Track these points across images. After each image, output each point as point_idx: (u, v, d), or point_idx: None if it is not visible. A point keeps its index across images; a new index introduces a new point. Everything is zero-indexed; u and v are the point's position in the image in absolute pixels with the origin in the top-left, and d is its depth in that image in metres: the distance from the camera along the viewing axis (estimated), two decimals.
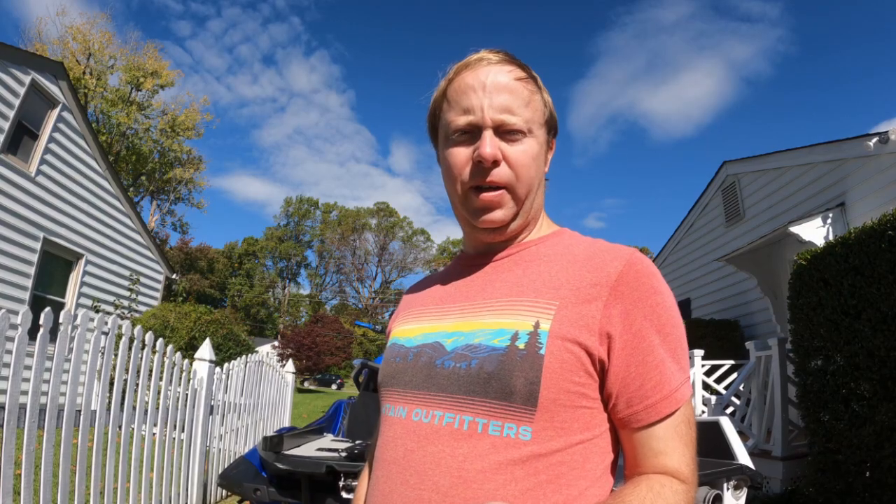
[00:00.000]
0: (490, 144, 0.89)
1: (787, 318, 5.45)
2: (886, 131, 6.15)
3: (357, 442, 2.51)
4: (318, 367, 36.58)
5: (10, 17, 55.07)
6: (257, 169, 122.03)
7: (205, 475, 4.89)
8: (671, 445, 0.82)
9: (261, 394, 6.59)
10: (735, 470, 2.38)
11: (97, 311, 10.45)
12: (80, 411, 3.08)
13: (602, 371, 0.82)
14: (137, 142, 36.59)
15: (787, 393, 5.64)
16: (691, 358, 6.66)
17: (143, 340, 3.62)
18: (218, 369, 5.15)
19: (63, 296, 10.42)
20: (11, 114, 8.79)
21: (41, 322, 2.60)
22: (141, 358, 3.62)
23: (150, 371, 3.80)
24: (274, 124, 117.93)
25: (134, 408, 3.59)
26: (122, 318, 6.52)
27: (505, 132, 0.91)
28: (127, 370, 3.44)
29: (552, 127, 1.01)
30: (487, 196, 0.91)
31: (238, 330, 12.97)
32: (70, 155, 10.45)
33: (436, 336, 0.93)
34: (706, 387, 7.13)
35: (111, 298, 11.74)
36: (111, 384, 3.37)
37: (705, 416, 4.52)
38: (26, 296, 9.14)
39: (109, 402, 3.44)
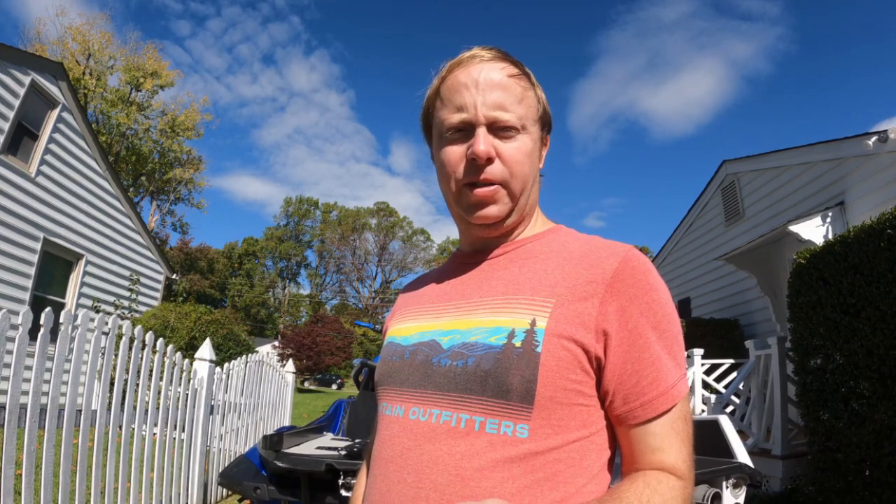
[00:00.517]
0: (484, 142, 0.89)
1: (786, 316, 5.46)
2: (886, 130, 6.15)
3: (357, 440, 2.52)
4: (319, 367, 36.58)
5: (9, 18, 55.08)
6: (257, 169, 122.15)
7: (205, 475, 4.90)
8: (668, 442, 0.82)
9: (261, 394, 6.60)
10: (734, 468, 2.38)
11: (97, 312, 10.46)
12: (80, 411, 3.08)
13: (599, 368, 0.82)
14: (137, 142, 36.57)
15: (787, 392, 5.64)
16: (691, 357, 6.66)
17: (144, 340, 3.63)
18: (218, 369, 5.15)
19: (63, 296, 10.43)
20: (11, 114, 8.79)
21: (42, 322, 2.61)
22: (141, 358, 3.62)
23: (151, 371, 3.80)
24: (274, 124, 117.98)
25: (134, 408, 3.60)
26: (123, 319, 6.52)
27: (498, 129, 0.91)
28: (127, 370, 3.45)
29: (546, 123, 1.01)
30: (481, 192, 0.91)
31: (238, 330, 12.97)
32: (70, 155, 10.46)
33: (432, 334, 0.93)
34: (706, 386, 7.12)
35: (111, 299, 11.75)
36: (111, 384, 3.38)
37: (705, 415, 4.52)
38: (27, 296, 9.15)
39: (110, 402, 3.44)
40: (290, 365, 8.76)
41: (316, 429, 2.97)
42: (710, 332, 8.86)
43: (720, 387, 7.02)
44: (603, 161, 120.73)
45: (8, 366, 2.48)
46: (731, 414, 6.35)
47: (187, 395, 4.50)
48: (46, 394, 2.77)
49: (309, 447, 2.44)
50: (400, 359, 0.95)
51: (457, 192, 0.94)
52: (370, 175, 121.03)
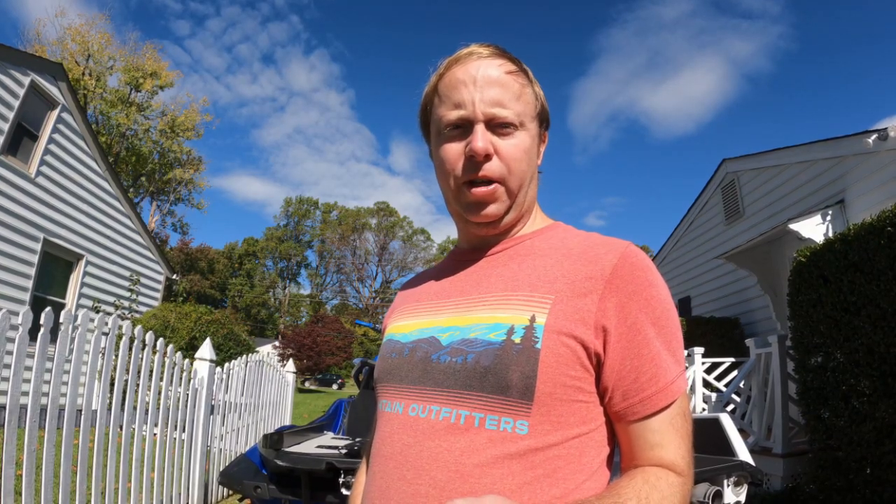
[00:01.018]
0: (482, 138, 0.89)
1: (786, 315, 5.46)
2: (886, 128, 6.15)
3: (357, 439, 2.52)
4: (319, 366, 36.60)
5: (8, 18, 55.07)
6: (257, 169, 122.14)
7: (206, 475, 4.89)
8: (667, 438, 0.82)
9: (261, 393, 6.60)
10: (735, 466, 2.38)
11: (97, 312, 10.46)
12: (80, 411, 3.08)
13: (598, 365, 0.83)
14: (137, 143, 36.57)
15: (788, 390, 5.64)
16: (692, 355, 6.67)
17: (144, 340, 3.62)
18: (218, 369, 5.15)
19: (63, 296, 10.43)
20: (11, 115, 8.80)
21: (42, 322, 2.61)
22: (141, 358, 3.62)
23: (151, 371, 3.80)
24: (273, 124, 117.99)
25: (135, 408, 3.60)
26: (123, 319, 6.52)
27: (496, 126, 0.91)
28: (128, 370, 3.44)
29: (544, 119, 1.01)
30: (480, 191, 0.91)
31: (239, 330, 12.97)
32: (70, 156, 10.46)
33: (431, 331, 0.93)
34: (706, 384, 7.12)
35: (111, 299, 11.75)
36: (112, 384, 3.37)
37: (706, 413, 4.53)
38: (27, 297, 9.15)
39: (110, 403, 3.44)
40: (290, 365, 8.75)
41: (316, 428, 2.97)
42: (710, 331, 8.87)
43: (721, 385, 7.02)
44: (603, 160, 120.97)
45: (8, 366, 2.48)
46: (732, 412, 6.34)
47: (188, 395, 4.50)
48: (46, 394, 2.77)
49: (309, 446, 2.44)
50: (399, 356, 0.95)
51: (455, 190, 0.94)
52: (370, 175, 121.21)
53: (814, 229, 6.84)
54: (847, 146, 6.85)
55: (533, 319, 0.82)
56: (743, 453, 2.72)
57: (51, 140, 9.86)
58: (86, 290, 10.92)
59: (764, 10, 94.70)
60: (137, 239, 12.93)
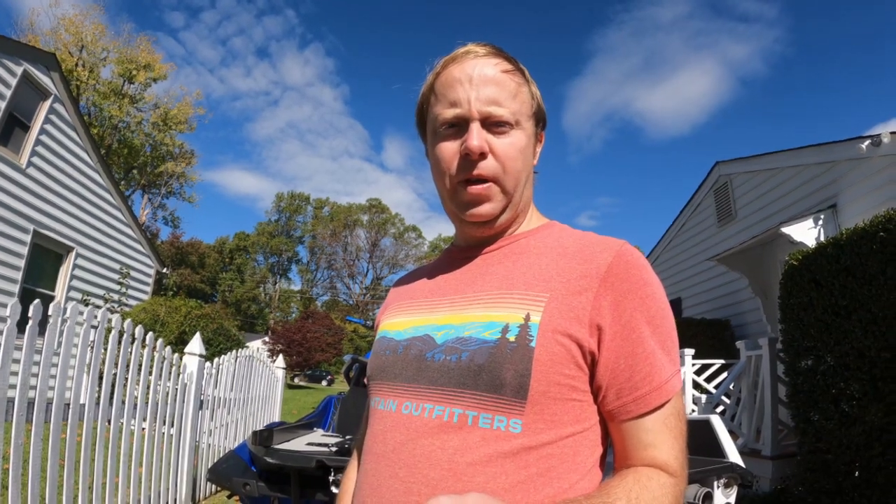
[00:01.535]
0: (477, 137, 0.89)
1: (777, 318, 5.48)
2: (879, 134, 6.17)
3: (347, 437, 2.50)
4: (309, 362, 36.46)
5: (2, 7, 54.41)
6: (249, 163, 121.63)
7: (194, 470, 4.87)
8: (660, 438, 0.82)
9: (251, 389, 6.57)
10: (725, 468, 2.39)
11: (87, 305, 10.38)
12: (69, 405, 3.06)
13: (592, 363, 0.82)
14: (129, 135, 36.41)
15: (777, 392, 5.67)
16: (682, 357, 6.68)
17: (133, 334, 3.60)
18: (208, 364, 5.13)
19: (53, 289, 10.34)
20: (3, 105, 8.71)
21: (30, 315, 2.58)
22: (130, 352, 3.60)
23: (140, 365, 3.77)
24: (267, 118, 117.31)
25: (123, 402, 3.57)
26: (112, 312, 6.46)
27: (492, 124, 0.91)
28: (116, 364, 3.42)
29: (540, 119, 1.02)
30: (475, 189, 0.91)
31: (228, 325, 12.92)
32: (61, 147, 10.36)
33: (426, 329, 0.93)
34: (696, 386, 7.15)
35: (101, 292, 11.66)
36: (100, 378, 3.35)
37: (696, 415, 4.54)
38: (16, 289, 9.07)
39: (98, 397, 3.42)
40: (280, 360, 8.73)
41: (306, 425, 2.95)
42: (701, 332, 8.89)
43: (710, 387, 7.04)
44: (597, 160, 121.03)
45: None
46: (722, 414, 6.37)
47: (177, 390, 4.48)
48: (34, 387, 2.74)
49: (299, 443, 2.42)
50: (393, 353, 0.94)
51: (451, 189, 0.94)
52: (363, 171, 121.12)
53: (805, 233, 6.87)
54: (840, 151, 6.88)
55: (528, 318, 0.82)
56: (733, 455, 2.72)
57: (42, 131, 9.77)
58: (75, 283, 10.83)
59: (761, 14, 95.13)
60: (128, 232, 12.84)
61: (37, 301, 2.60)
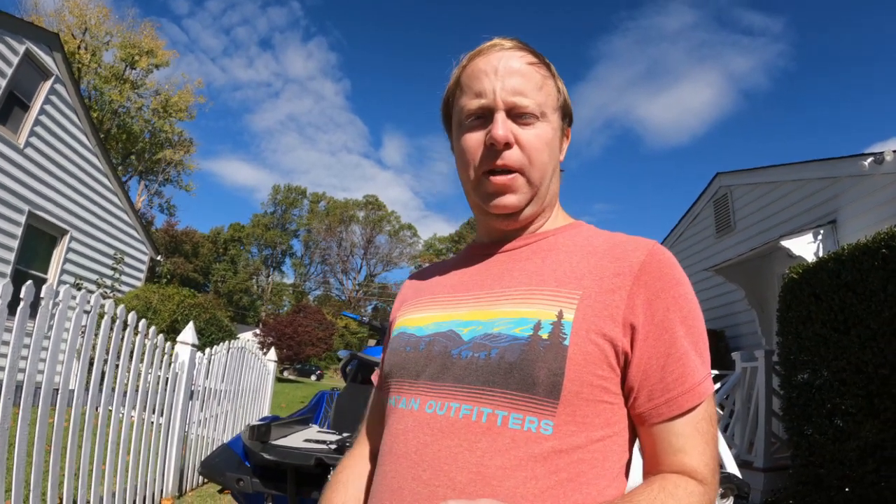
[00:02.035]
0: (502, 126, 0.88)
1: (772, 331, 5.48)
2: (882, 152, 6.17)
3: (345, 434, 2.46)
4: (299, 356, 36.38)
5: None
6: (247, 154, 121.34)
7: (182, 461, 4.82)
8: (691, 443, 0.79)
9: (242, 381, 6.52)
10: (723, 479, 2.36)
11: (79, 289, 10.30)
12: (57, 390, 3.00)
13: (625, 364, 0.80)
14: (129, 120, 36.24)
15: (772, 405, 5.66)
16: None
17: (126, 321, 3.54)
18: (200, 354, 5.08)
19: (45, 272, 10.25)
20: (3, 83, 8.61)
21: (22, 296, 2.52)
22: (122, 338, 3.55)
23: (131, 352, 3.73)
24: (267, 109, 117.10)
25: (113, 389, 3.52)
26: (105, 297, 6.38)
27: (517, 115, 0.90)
28: (108, 350, 3.37)
29: (567, 114, 1.01)
30: (500, 179, 0.90)
31: (221, 315, 12.85)
32: (60, 128, 10.26)
33: (450, 325, 0.89)
34: None
35: (94, 277, 11.57)
36: (91, 364, 3.29)
37: None
38: (8, 269, 8.98)
39: (88, 382, 3.36)
40: (272, 353, 8.67)
41: (301, 420, 2.91)
42: None
43: None
44: (595, 166, 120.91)
45: None
46: None
47: (167, 378, 4.43)
48: (23, 370, 2.69)
49: (296, 440, 2.37)
50: (414, 349, 0.90)
51: (475, 180, 0.93)
52: (361, 166, 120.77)
53: (805, 247, 6.86)
54: (842, 167, 6.88)
55: (560, 315, 0.79)
56: (731, 466, 2.69)
57: (42, 111, 9.67)
58: (68, 267, 10.73)
59: (766, 28, 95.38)
60: (124, 217, 12.74)
61: (29, 282, 2.55)
